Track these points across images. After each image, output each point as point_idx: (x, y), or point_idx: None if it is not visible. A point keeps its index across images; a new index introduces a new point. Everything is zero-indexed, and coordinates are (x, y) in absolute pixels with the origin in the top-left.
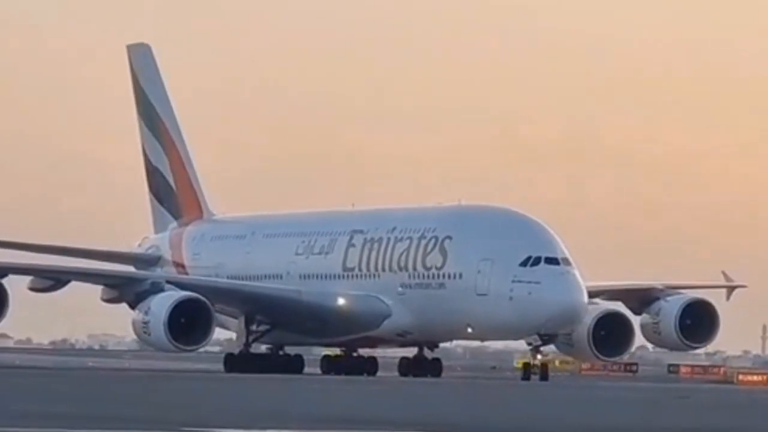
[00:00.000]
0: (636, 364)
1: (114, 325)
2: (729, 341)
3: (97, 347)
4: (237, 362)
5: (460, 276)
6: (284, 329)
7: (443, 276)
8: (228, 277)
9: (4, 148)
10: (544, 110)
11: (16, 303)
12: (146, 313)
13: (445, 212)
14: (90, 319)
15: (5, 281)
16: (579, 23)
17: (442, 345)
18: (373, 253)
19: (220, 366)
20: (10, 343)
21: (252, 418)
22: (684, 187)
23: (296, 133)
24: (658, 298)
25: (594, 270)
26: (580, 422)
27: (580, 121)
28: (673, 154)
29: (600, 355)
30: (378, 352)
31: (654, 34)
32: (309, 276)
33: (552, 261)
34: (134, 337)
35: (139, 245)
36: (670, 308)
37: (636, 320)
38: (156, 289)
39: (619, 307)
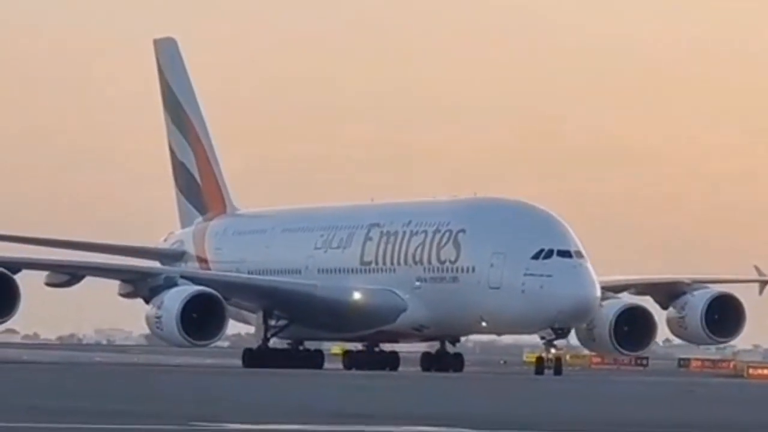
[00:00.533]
0: (647, 358)
1: (122, 319)
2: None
3: (104, 342)
4: (255, 357)
5: (473, 269)
6: (302, 324)
7: (457, 270)
8: (249, 272)
9: (31, 143)
10: (566, 106)
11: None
12: (159, 307)
13: (460, 205)
14: (97, 314)
15: (19, 276)
16: (595, 22)
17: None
18: (389, 247)
19: (239, 361)
20: (17, 338)
21: (262, 413)
22: (715, 182)
23: (323, 127)
24: (684, 293)
25: (625, 264)
26: (604, 417)
27: (605, 117)
28: (701, 149)
29: (622, 350)
30: (402, 347)
31: (674, 32)
32: (327, 270)
33: (564, 254)
34: (141, 331)
35: (165, 240)
36: (696, 302)
37: (663, 315)
38: (169, 283)
39: (647, 301)
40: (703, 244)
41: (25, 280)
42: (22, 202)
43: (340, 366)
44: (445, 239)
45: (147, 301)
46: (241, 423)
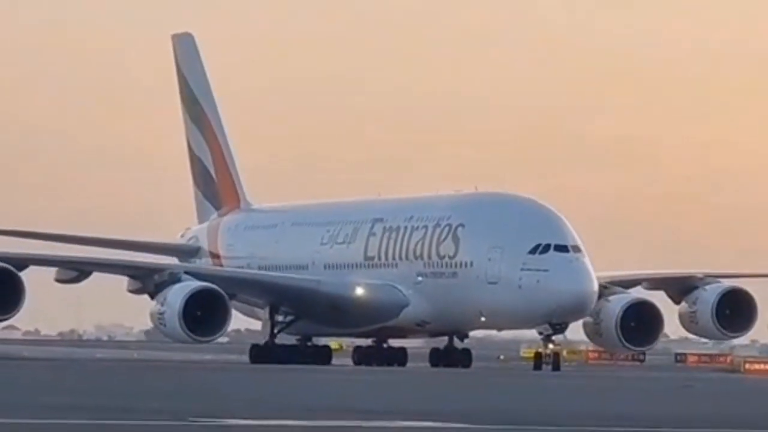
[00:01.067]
0: (644, 353)
1: (122, 316)
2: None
3: (105, 338)
4: (262, 353)
5: (472, 264)
6: (308, 320)
7: (456, 265)
8: (259, 268)
9: (52, 140)
10: (584, 103)
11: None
12: (162, 303)
13: (460, 200)
14: (98, 310)
15: (26, 272)
16: (597, 19)
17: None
18: (392, 242)
19: (246, 357)
20: (17, 335)
21: (265, 409)
22: (731, 177)
23: (338, 122)
24: (696, 287)
25: (638, 259)
26: (606, 412)
27: (614, 113)
28: (719, 145)
29: (628, 345)
30: (414, 343)
31: (675, 30)
32: (333, 266)
33: (561, 248)
34: (142, 327)
35: (182, 236)
36: (708, 297)
37: (674, 309)
38: (173, 279)
39: (661, 296)
40: (715, 238)
41: (25, 276)
42: (44, 199)
43: (348, 362)
44: (444, 234)
45: (153, 297)
46: (240, 419)
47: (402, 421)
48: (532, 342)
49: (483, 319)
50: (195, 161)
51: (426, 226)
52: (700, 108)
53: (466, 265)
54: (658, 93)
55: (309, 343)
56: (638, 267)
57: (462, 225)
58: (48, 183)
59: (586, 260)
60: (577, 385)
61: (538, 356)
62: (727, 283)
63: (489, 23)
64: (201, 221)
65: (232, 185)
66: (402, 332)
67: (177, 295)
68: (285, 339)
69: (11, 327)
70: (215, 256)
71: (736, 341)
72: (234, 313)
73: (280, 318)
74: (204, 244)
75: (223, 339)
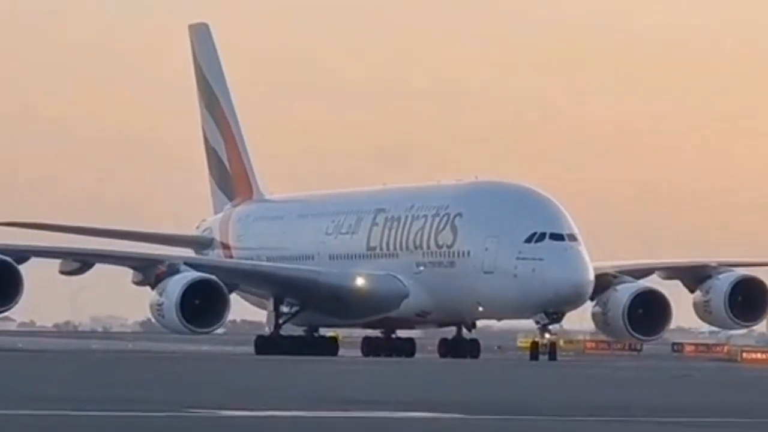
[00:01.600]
0: (641, 343)
1: (118, 307)
2: None
3: (100, 329)
4: (267, 344)
5: (469, 254)
6: (311, 311)
7: (454, 254)
8: (267, 259)
9: (71, 131)
10: (593, 93)
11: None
12: (161, 294)
13: (459, 189)
14: (93, 302)
15: (27, 265)
16: (597, 9)
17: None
18: (393, 232)
19: (250, 348)
20: (12, 326)
21: (266, 400)
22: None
23: (352, 112)
24: (710, 276)
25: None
26: (602, 401)
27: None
28: (737, 133)
29: (636, 334)
30: (426, 333)
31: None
32: (337, 256)
33: (557, 237)
34: (137, 318)
35: (197, 227)
36: (720, 285)
37: (680, 298)
38: (173, 270)
39: (676, 285)
40: (729, 227)
41: (25, 268)
42: (69, 191)
43: (356, 353)
44: (443, 223)
45: (153, 289)
46: (237, 410)
47: (397, 412)
48: (529, 332)
49: (481, 309)
50: (210, 152)
51: (426, 216)
52: (711, 97)
53: (463, 255)
54: (666, 83)
55: (315, 334)
56: (654, 256)
57: (460, 214)
58: (66, 174)
59: (582, 249)
60: (573, 375)
61: (534, 346)
62: (741, 271)
63: (486, 12)
64: (216, 212)
65: (245, 176)
66: (405, 323)
67: (175, 286)
68: (292, 330)
69: (6, 318)
70: (226, 247)
71: (732, 331)
72: (233, 303)
73: (285, 309)
74: (217, 235)
75: (219, 330)
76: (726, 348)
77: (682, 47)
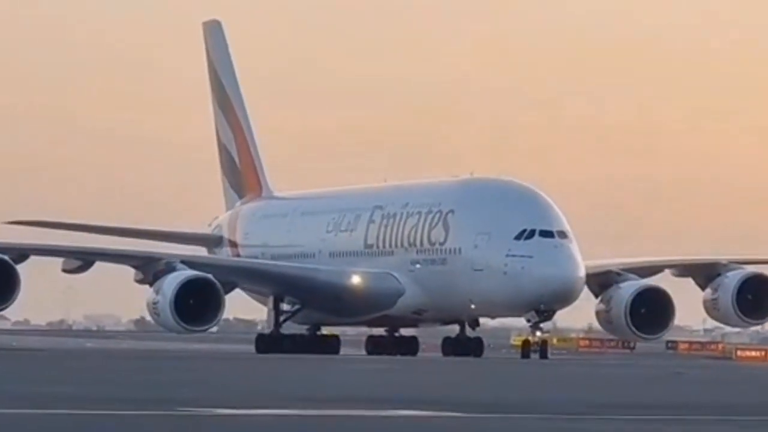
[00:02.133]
0: (633, 341)
1: (111, 305)
2: None
3: (94, 328)
4: (268, 343)
5: (460, 251)
6: (310, 309)
7: (445, 251)
8: (272, 257)
9: (85, 130)
10: (595, 93)
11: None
12: (157, 293)
13: (453, 186)
14: (87, 300)
15: (26, 263)
16: (596, 4)
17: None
18: (388, 229)
19: (251, 347)
20: (7, 325)
21: (262, 398)
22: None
23: (362, 112)
24: (720, 273)
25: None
26: (591, 399)
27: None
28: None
29: (638, 333)
30: (430, 332)
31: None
32: (336, 254)
33: (546, 234)
34: (131, 317)
35: (209, 225)
36: (729, 283)
37: (682, 296)
38: (169, 268)
39: (688, 282)
40: (741, 224)
41: (25, 266)
42: (86, 190)
43: (359, 351)
44: (435, 220)
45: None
46: (231, 408)
47: (391, 410)
48: (523, 330)
49: (473, 306)
50: (222, 149)
51: (419, 213)
52: (720, 94)
53: (454, 252)
54: (673, 80)
55: (318, 333)
56: (665, 254)
57: (452, 211)
58: (81, 173)
59: (573, 246)
60: (564, 373)
61: (526, 344)
62: (750, 269)
63: (483, 9)
64: (228, 209)
65: (255, 173)
66: (403, 321)
67: (170, 284)
68: (295, 329)
69: (1, 317)
70: (233, 244)
71: (727, 328)
72: (227, 301)
73: (286, 307)
74: (225, 233)
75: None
76: (720, 346)
77: (693, 43)
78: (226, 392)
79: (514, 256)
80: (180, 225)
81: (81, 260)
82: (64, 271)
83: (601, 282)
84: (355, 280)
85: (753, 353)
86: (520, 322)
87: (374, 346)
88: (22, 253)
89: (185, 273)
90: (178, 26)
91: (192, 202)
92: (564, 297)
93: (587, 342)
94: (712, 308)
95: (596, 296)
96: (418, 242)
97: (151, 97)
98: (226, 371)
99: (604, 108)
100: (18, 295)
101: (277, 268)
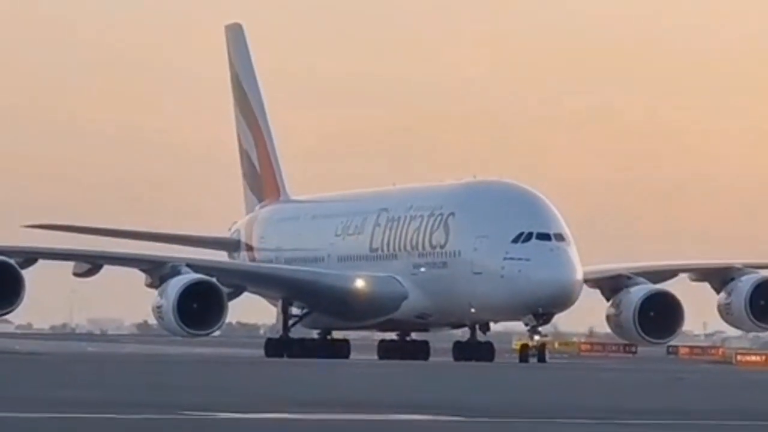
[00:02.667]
0: (635, 345)
1: (115, 310)
2: None
3: (97, 332)
4: (278, 347)
5: (459, 254)
6: (318, 313)
7: (446, 255)
8: (285, 260)
9: (108, 133)
10: (599, 93)
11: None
12: (161, 296)
13: (455, 189)
14: (90, 304)
15: (33, 268)
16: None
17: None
18: (393, 233)
19: (260, 351)
20: (11, 328)
21: (268, 403)
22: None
23: (380, 115)
24: (734, 278)
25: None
26: (594, 405)
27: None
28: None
29: (647, 337)
30: (440, 336)
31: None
32: (344, 258)
33: (544, 237)
34: (134, 321)
35: (229, 229)
36: (742, 288)
37: (690, 301)
38: (174, 272)
39: (704, 287)
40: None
41: (32, 271)
42: (110, 193)
43: (370, 356)
44: (437, 224)
45: None
46: (235, 412)
47: (393, 414)
48: (524, 334)
49: (473, 310)
50: (243, 154)
51: (422, 216)
52: (731, 97)
53: (455, 255)
54: (681, 81)
55: (329, 337)
56: (670, 257)
57: (453, 214)
58: (112, 177)
59: (570, 249)
60: (564, 378)
61: (524, 348)
62: (764, 273)
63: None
64: (248, 213)
65: (274, 177)
66: (409, 325)
67: (173, 288)
68: (305, 333)
69: (4, 321)
70: (249, 248)
71: (728, 333)
72: (229, 305)
73: (296, 311)
74: (243, 237)
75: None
76: (721, 350)
77: (694, 43)
78: (236, 396)
79: (511, 259)
80: (209, 230)
81: (89, 264)
82: (75, 274)
83: (612, 286)
84: (359, 284)
85: (753, 358)
86: (523, 326)
87: (386, 350)
88: (31, 257)
89: (188, 276)
90: (201, 29)
91: (214, 206)
92: (561, 300)
93: (589, 346)
94: (725, 312)
95: (608, 300)
96: (420, 245)
97: (172, 100)
98: (236, 375)
99: (608, 108)
100: (22, 300)
101: (281, 272)
